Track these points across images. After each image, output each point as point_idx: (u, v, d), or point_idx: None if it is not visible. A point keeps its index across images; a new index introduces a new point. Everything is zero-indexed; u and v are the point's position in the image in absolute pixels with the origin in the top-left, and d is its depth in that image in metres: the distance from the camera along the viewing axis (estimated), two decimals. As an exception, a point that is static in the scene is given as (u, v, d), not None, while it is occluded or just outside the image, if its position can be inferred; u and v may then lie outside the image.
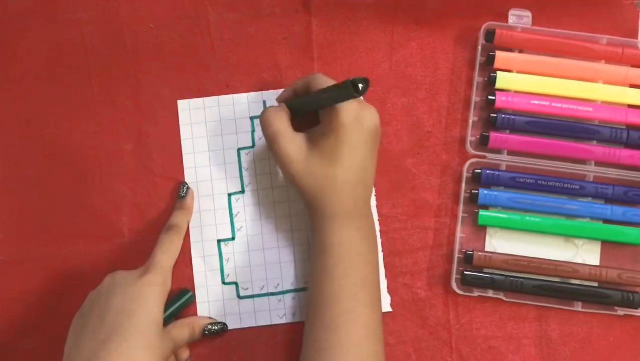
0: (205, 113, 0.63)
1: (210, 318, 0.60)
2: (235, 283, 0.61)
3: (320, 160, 0.54)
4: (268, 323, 0.61)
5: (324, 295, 0.53)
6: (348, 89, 0.49)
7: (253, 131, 0.63)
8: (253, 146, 0.63)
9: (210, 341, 0.60)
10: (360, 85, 0.48)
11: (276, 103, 0.60)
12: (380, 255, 0.61)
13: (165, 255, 0.56)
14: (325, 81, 0.56)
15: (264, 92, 0.63)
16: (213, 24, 0.64)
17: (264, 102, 0.63)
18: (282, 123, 0.56)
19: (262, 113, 0.57)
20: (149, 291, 0.53)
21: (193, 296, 0.60)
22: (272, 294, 0.61)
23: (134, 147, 0.63)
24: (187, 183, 0.62)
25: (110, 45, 0.63)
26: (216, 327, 0.59)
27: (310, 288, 0.56)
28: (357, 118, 0.54)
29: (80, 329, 0.52)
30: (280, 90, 0.63)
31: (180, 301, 0.59)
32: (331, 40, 0.64)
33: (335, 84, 0.52)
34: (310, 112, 0.58)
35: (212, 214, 0.62)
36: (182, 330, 0.57)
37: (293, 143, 0.55)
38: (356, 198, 0.55)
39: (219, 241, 0.62)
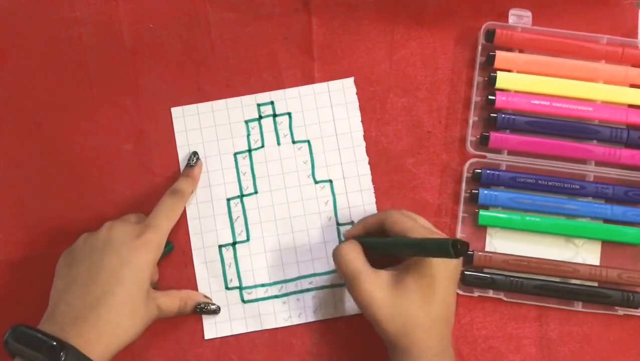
0: (200, 119, 0.63)
1: (205, 296, 0.60)
2: (239, 288, 0.61)
3: (408, 302, 0.51)
4: (274, 326, 0.60)
5: None
6: (447, 251, 0.46)
7: (248, 135, 0.63)
8: (249, 150, 0.63)
9: (211, 341, 0.60)
10: (460, 248, 0.45)
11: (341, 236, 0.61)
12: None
13: (166, 219, 0.56)
14: (402, 221, 0.54)
15: (257, 94, 0.63)
16: (213, 23, 0.64)
17: (258, 106, 0.63)
18: (360, 261, 0.53)
19: (336, 250, 0.55)
20: (142, 256, 0.53)
21: (173, 246, 0.60)
22: (277, 297, 0.61)
23: (133, 147, 0.62)
24: (197, 153, 0.62)
25: (109, 45, 0.63)
26: (210, 307, 0.59)
27: None
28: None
29: (69, 280, 0.53)
30: (279, 91, 0.63)
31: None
32: (331, 40, 0.64)
33: (432, 241, 0.49)
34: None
35: (212, 220, 0.62)
36: (172, 301, 0.57)
37: (376, 283, 0.52)
38: (442, 338, 0.52)
39: (220, 247, 0.62)
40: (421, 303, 0.51)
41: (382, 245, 0.56)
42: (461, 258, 0.54)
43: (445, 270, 0.52)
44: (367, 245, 0.56)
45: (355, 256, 0.54)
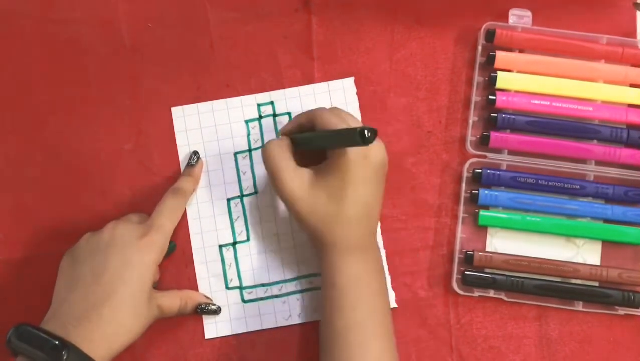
0: (200, 119, 0.63)
1: (206, 296, 0.60)
2: (239, 288, 0.61)
3: (325, 198, 0.53)
4: (274, 325, 0.60)
5: (334, 328, 0.53)
6: (354, 139, 0.48)
7: (249, 135, 0.63)
8: (249, 150, 0.63)
9: (210, 341, 0.60)
10: (367, 135, 0.47)
11: (275, 136, 0.61)
12: (383, 251, 0.61)
13: (169, 219, 0.56)
14: (328, 118, 0.55)
15: (257, 94, 0.63)
16: (212, 23, 0.64)
17: (258, 106, 0.63)
18: (284, 158, 0.55)
19: (264, 147, 0.56)
20: (146, 257, 0.53)
21: (175, 245, 0.61)
22: (277, 296, 0.61)
23: (133, 147, 0.62)
24: (198, 152, 0.62)
25: (109, 44, 0.63)
26: (210, 308, 0.60)
27: (321, 321, 0.55)
28: (364, 155, 0.53)
29: (72, 280, 0.53)
30: (279, 91, 0.63)
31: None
32: (331, 39, 0.64)
33: (342, 130, 0.52)
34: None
35: (212, 220, 0.62)
36: (173, 301, 0.57)
37: (296, 179, 0.54)
38: (362, 232, 0.54)
39: (220, 246, 0.61)
40: (335, 201, 0.53)
41: (306, 140, 0.56)
42: (382, 160, 0.54)
43: (360, 170, 0.53)
44: (297, 142, 0.57)
45: (280, 153, 0.55)
